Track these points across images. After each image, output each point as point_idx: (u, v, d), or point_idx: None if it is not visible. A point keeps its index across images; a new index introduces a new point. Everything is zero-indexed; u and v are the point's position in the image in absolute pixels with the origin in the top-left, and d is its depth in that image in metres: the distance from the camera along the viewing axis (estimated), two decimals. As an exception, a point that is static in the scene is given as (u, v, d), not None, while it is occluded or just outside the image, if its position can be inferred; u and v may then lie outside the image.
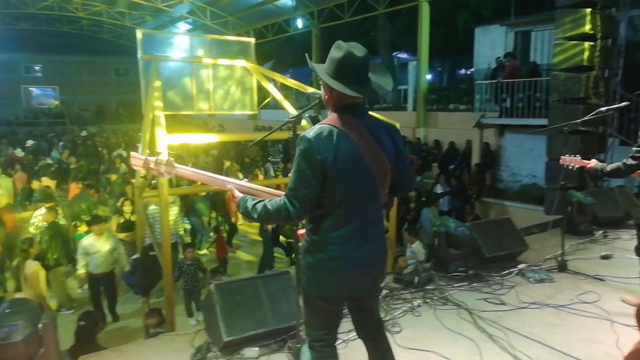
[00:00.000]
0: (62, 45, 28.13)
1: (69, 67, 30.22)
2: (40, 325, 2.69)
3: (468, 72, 21.20)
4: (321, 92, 2.36)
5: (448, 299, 4.01)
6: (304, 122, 2.85)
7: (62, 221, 7.58)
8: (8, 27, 23.87)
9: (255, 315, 3.27)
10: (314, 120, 2.88)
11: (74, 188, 9.86)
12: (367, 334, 2.37)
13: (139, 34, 7.25)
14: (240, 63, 7.80)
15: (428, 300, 3.97)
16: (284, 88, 12.78)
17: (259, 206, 2.09)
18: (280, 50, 22.86)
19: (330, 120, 2.09)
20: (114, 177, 11.57)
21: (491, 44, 13.46)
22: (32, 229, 7.33)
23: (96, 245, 6.29)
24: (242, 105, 8.28)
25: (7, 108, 28.23)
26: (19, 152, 15.23)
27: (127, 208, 7.75)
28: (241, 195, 2.21)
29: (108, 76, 31.83)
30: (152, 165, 2.22)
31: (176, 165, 2.25)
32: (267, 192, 2.26)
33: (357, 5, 16.15)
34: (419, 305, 3.87)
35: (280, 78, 7.50)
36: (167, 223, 5.33)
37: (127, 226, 7.55)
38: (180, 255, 6.85)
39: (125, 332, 6.46)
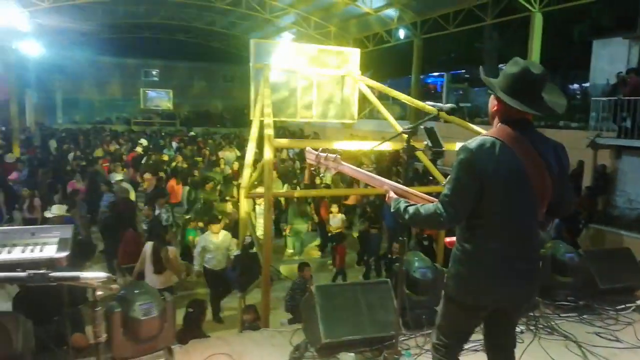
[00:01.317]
0: (178, 52, 30.63)
1: (182, 73, 32.76)
2: (164, 302, 3.00)
3: (582, 87, 19.72)
4: (440, 106, 2.41)
5: (555, 328, 3.78)
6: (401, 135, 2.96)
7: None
8: (133, 35, 26.50)
9: (353, 321, 3.33)
10: (429, 132, 2.91)
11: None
12: (497, 349, 2.35)
13: (252, 43, 7.67)
14: (345, 72, 7.97)
15: (532, 328, 3.77)
16: (379, 98, 12.81)
17: (412, 209, 2.18)
18: (379, 61, 22.92)
19: (494, 132, 2.11)
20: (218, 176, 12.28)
21: (611, 57, 12.45)
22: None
23: (214, 243, 6.74)
24: (342, 113, 8.46)
25: (128, 108, 31.33)
26: (139, 149, 16.76)
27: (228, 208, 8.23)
28: (395, 196, 2.33)
29: (216, 82, 33.99)
30: (322, 160, 2.49)
31: (342, 162, 2.50)
32: (421, 197, 2.36)
33: (463, 16, 15.76)
34: (521, 332, 3.69)
35: (386, 90, 7.54)
36: (270, 223, 5.60)
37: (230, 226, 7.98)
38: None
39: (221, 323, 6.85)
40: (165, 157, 15.09)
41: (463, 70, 22.32)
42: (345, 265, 8.39)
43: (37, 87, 27.87)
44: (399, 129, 7.53)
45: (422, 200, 2.32)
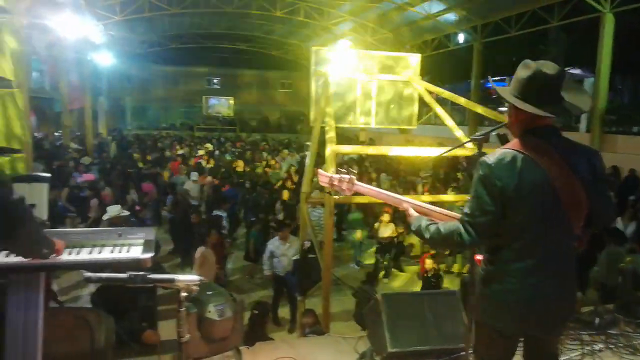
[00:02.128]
0: (238, 60, 31.67)
1: (242, 80, 33.72)
2: (235, 303, 3.06)
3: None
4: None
5: (637, 348, 3.51)
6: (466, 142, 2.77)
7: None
8: (196, 45, 27.55)
9: (419, 331, 3.25)
10: (503, 140, 2.78)
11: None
12: None
13: (313, 50, 7.74)
14: (405, 78, 7.88)
15: (611, 346, 3.52)
16: (439, 103, 12.58)
17: (432, 227, 2.06)
18: (437, 66, 22.51)
19: (514, 144, 1.98)
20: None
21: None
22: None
23: (282, 249, 6.85)
24: (402, 119, 8.35)
25: (191, 115, 32.62)
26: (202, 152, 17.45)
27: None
28: (416, 214, 2.19)
29: (274, 89, 34.71)
30: (335, 182, 2.35)
31: (356, 182, 2.35)
32: (444, 214, 2.22)
33: (526, 18, 15.16)
34: (600, 350, 3.46)
35: (448, 94, 7.36)
36: (331, 228, 5.60)
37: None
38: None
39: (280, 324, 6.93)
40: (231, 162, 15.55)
41: (525, 75, 21.45)
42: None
43: (108, 95, 29.63)
44: (460, 135, 7.35)
45: (445, 218, 2.18)
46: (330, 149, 5.37)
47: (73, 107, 20.63)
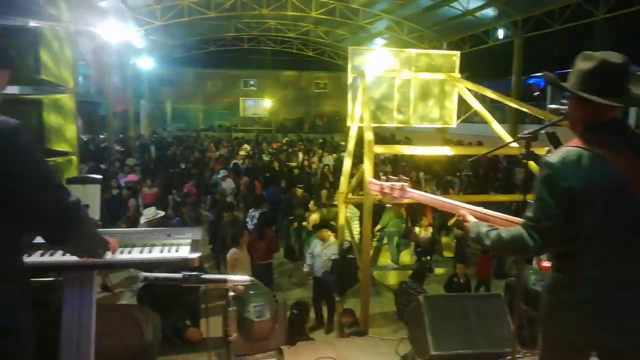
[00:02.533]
0: (274, 62, 32.01)
1: (278, 82, 34.03)
2: (277, 304, 3.08)
3: None
4: (566, 109, 2.17)
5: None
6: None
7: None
8: (234, 47, 28.03)
9: (463, 334, 3.18)
10: (552, 138, 2.68)
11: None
12: None
13: (349, 50, 7.72)
14: (443, 76, 7.75)
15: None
16: (478, 101, 12.30)
17: (493, 234, 1.93)
18: (475, 62, 22.02)
19: (577, 141, 1.84)
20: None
21: None
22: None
23: (319, 249, 6.89)
24: (440, 118, 8.22)
25: (228, 116, 33.19)
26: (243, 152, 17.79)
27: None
28: (474, 220, 2.09)
29: (309, 90, 34.85)
30: (387, 191, 2.30)
31: (408, 189, 2.29)
32: (504, 218, 2.11)
33: (570, 12, 14.62)
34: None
35: (488, 92, 7.20)
36: (369, 229, 5.56)
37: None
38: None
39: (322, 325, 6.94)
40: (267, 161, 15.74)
41: (569, 70, 20.70)
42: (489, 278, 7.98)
43: (149, 98, 30.57)
44: (502, 133, 7.15)
45: (506, 223, 2.04)
46: (369, 149, 5.34)
47: (116, 110, 21.39)
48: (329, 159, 16.66)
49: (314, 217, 8.47)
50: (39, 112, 2.54)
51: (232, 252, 6.39)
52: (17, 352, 1.53)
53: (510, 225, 2.01)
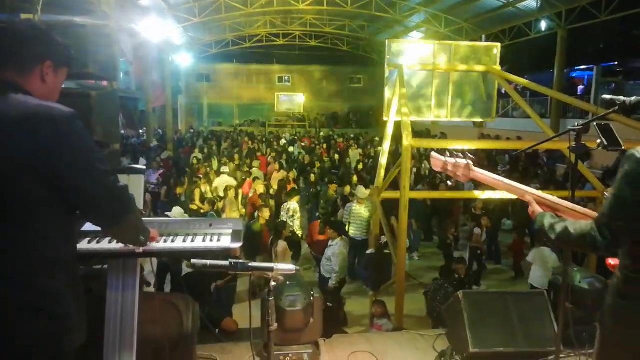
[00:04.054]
0: (309, 57, 32.10)
1: (313, 77, 34.12)
2: (311, 298, 3.08)
3: None
4: (622, 99, 2.06)
5: None
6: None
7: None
8: (270, 43, 28.20)
9: (503, 332, 3.11)
10: (605, 131, 2.56)
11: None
12: None
13: (387, 43, 7.63)
14: (483, 69, 7.57)
15: None
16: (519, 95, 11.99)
17: (559, 227, 1.80)
18: (516, 55, 21.41)
19: None
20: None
21: None
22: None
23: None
24: (479, 112, 8.04)
25: (263, 112, 33.53)
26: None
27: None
28: (540, 210, 1.95)
29: (343, 85, 34.77)
30: (449, 168, 2.19)
31: (474, 168, 2.16)
32: (576, 210, 1.93)
33: (617, 1, 13.97)
34: None
35: (531, 85, 6.98)
36: (405, 224, 5.51)
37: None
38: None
39: (350, 317, 6.92)
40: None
41: (615, 62, 19.84)
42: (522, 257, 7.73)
43: (186, 94, 31.19)
44: (545, 126, 6.93)
45: (577, 215, 1.89)
46: (407, 143, 5.27)
47: (155, 106, 21.95)
48: (355, 154, 16.54)
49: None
50: (88, 106, 2.63)
51: (282, 244, 6.56)
52: (66, 337, 1.58)
53: (580, 217, 1.87)
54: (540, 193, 2.05)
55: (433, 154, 2.33)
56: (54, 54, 1.66)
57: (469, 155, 2.17)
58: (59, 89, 1.73)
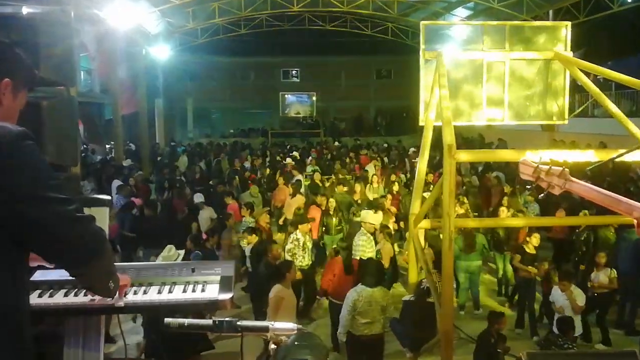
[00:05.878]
0: (321, 45, 32.19)
1: (327, 70, 34.38)
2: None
3: None
4: None
5: None
6: None
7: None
8: (270, 28, 28.47)
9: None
10: None
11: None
12: None
13: (422, 26, 7.71)
14: (549, 55, 7.59)
15: None
16: (600, 88, 11.88)
17: None
18: (595, 35, 21.37)
19: None
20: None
21: None
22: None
23: None
24: (546, 112, 8.02)
25: (264, 117, 33.72)
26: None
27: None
28: None
29: (368, 79, 34.97)
30: (542, 176, 2.32)
31: (571, 178, 2.28)
32: None
33: None
34: None
35: (613, 75, 6.95)
36: (450, 262, 5.49)
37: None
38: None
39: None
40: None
41: None
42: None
43: (166, 96, 31.60)
44: (634, 130, 6.87)
45: None
46: (448, 155, 5.28)
47: (126, 113, 22.20)
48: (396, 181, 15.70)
49: None
50: (37, 118, 2.69)
51: (276, 290, 6.40)
52: None
53: None
54: None
55: (524, 159, 2.45)
56: (15, 72, 1.76)
57: (564, 163, 2.29)
58: (15, 114, 1.81)
